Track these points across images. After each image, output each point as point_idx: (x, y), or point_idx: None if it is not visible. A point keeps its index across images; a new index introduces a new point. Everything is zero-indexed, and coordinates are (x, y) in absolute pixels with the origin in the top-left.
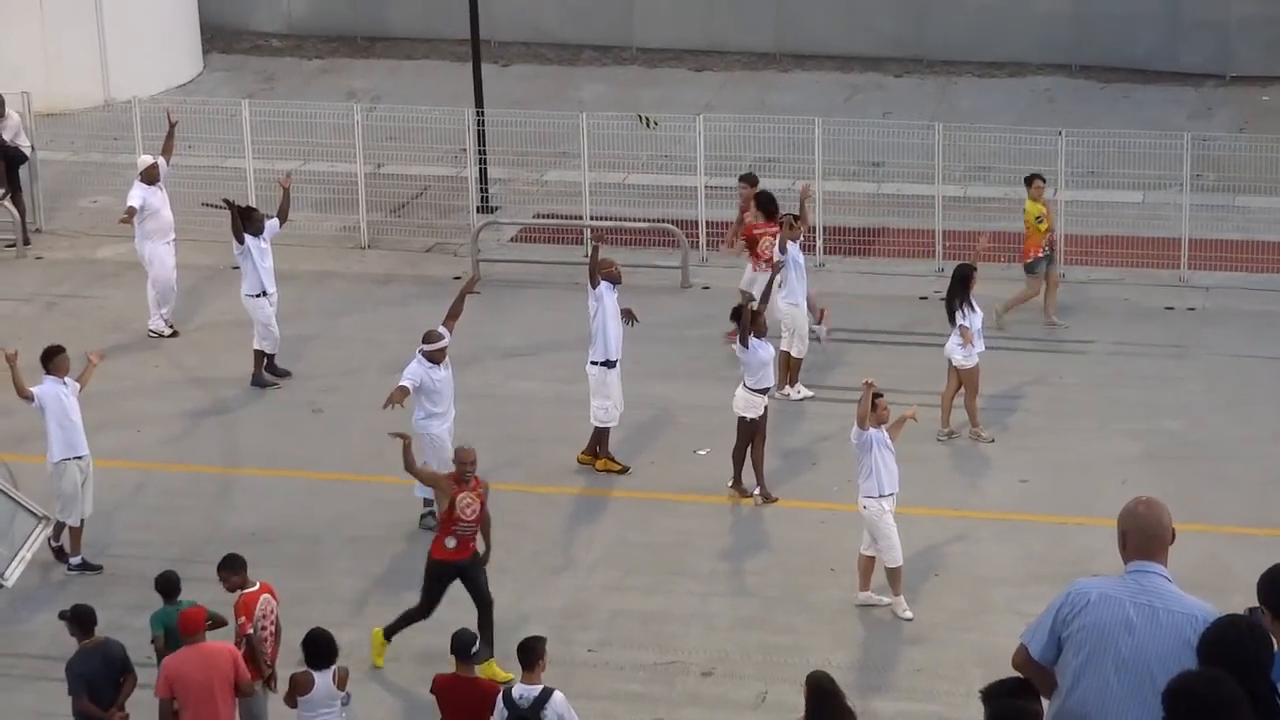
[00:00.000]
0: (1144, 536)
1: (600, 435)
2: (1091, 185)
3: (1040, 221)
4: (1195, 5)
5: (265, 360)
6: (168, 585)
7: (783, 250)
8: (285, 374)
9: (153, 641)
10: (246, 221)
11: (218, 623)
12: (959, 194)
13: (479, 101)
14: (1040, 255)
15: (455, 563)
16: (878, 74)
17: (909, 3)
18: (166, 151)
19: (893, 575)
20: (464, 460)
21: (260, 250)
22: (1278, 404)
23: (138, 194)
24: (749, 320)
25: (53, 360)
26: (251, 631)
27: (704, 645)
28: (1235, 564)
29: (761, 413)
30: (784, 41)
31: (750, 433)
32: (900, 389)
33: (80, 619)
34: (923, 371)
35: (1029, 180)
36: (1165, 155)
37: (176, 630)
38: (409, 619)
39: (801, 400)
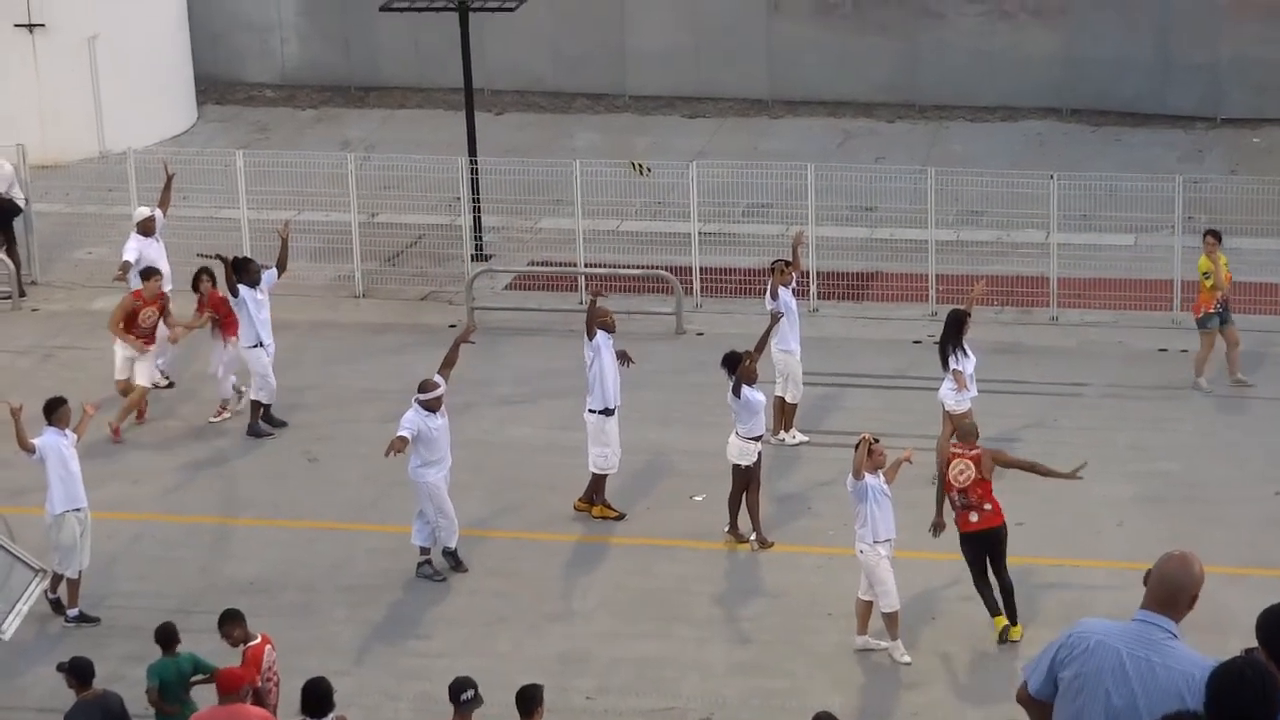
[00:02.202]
0: (1163, 589)
1: (597, 482)
2: (1084, 228)
3: (1207, 278)
4: (1185, 48)
5: (261, 410)
6: (166, 636)
7: (774, 296)
8: (281, 424)
9: (147, 692)
10: (242, 273)
11: (209, 677)
12: (952, 238)
13: (472, 150)
14: (1212, 311)
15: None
16: (870, 119)
17: (901, 48)
18: (163, 203)
19: (890, 620)
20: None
21: (256, 302)
22: (1272, 445)
23: (134, 246)
24: (743, 370)
25: (55, 412)
26: (259, 685)
27: (701, 691)
28: (1232, 605)
29: (756, 459)
30: (776, 88)
31: (745, 479)
32: (894, 433)
33: (78, 671)
34: (917, 416)
35: (1204, 235)
36: (1157, 198)
37: (172, 682)
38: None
39: (797, 445)
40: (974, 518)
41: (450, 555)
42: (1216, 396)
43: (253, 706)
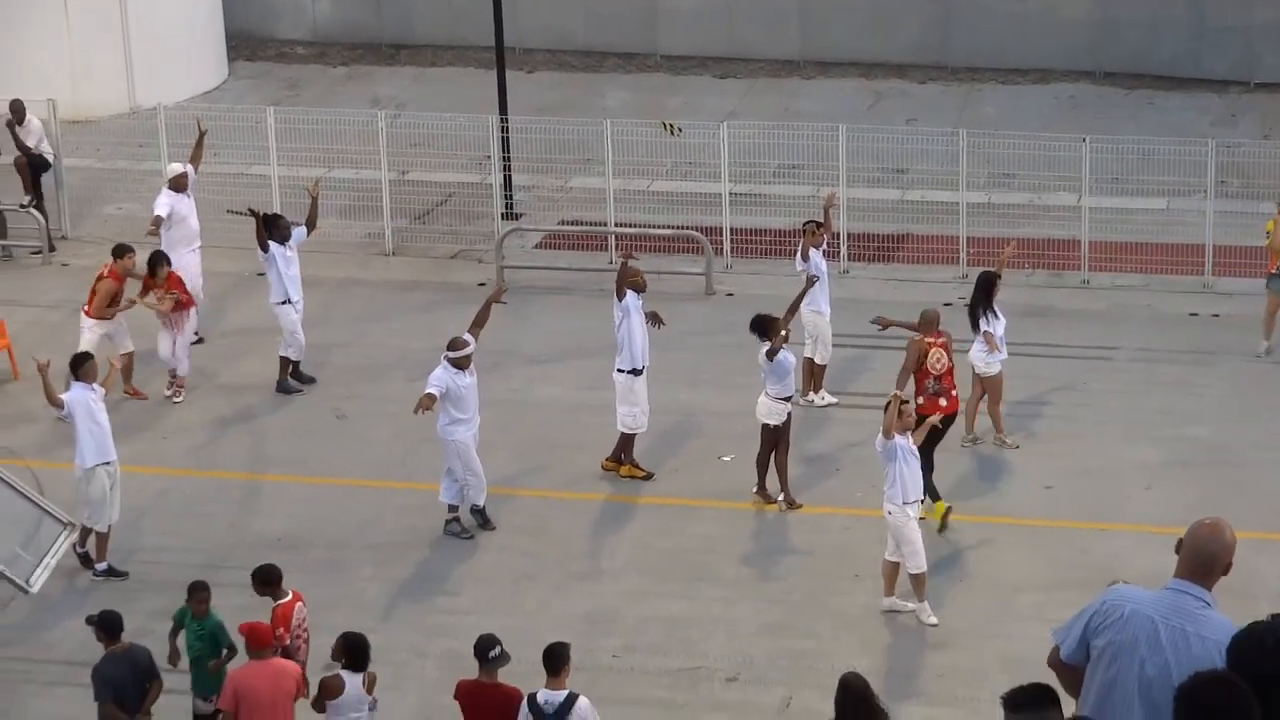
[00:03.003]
0: (1195, 557)
1: (626, 442)
2: (1115, 192)
3: (1268, 237)
4: (1220, 11)
5: (291, 367)
6: (111, 624)
7: (805, 257)
8: (310, 380)
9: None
10: (272, 229)
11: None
12: (983, 200)
13: (503, 108)
14: (1273, 272)
15: None
16: (902, 80)
17: (933, 9)
18: (195, 159)
19: (917, 581)
20: None
21: (285, 258)
22: None
23: (165, 202)
24: (775, 337)
25: (82, 367)
26: (289, 643)
27: (728, 651)
28: (1261, 569)
29: (785, 419)
30: (808, 48)
31: (774, 439)
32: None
33: (107, 624)
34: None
35: None
36: (1189, 162)
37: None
38: None
39: (826, 406)
40: (944, 402)
41: (478, 513)
42: (1249, 361)
43: (286, 661)
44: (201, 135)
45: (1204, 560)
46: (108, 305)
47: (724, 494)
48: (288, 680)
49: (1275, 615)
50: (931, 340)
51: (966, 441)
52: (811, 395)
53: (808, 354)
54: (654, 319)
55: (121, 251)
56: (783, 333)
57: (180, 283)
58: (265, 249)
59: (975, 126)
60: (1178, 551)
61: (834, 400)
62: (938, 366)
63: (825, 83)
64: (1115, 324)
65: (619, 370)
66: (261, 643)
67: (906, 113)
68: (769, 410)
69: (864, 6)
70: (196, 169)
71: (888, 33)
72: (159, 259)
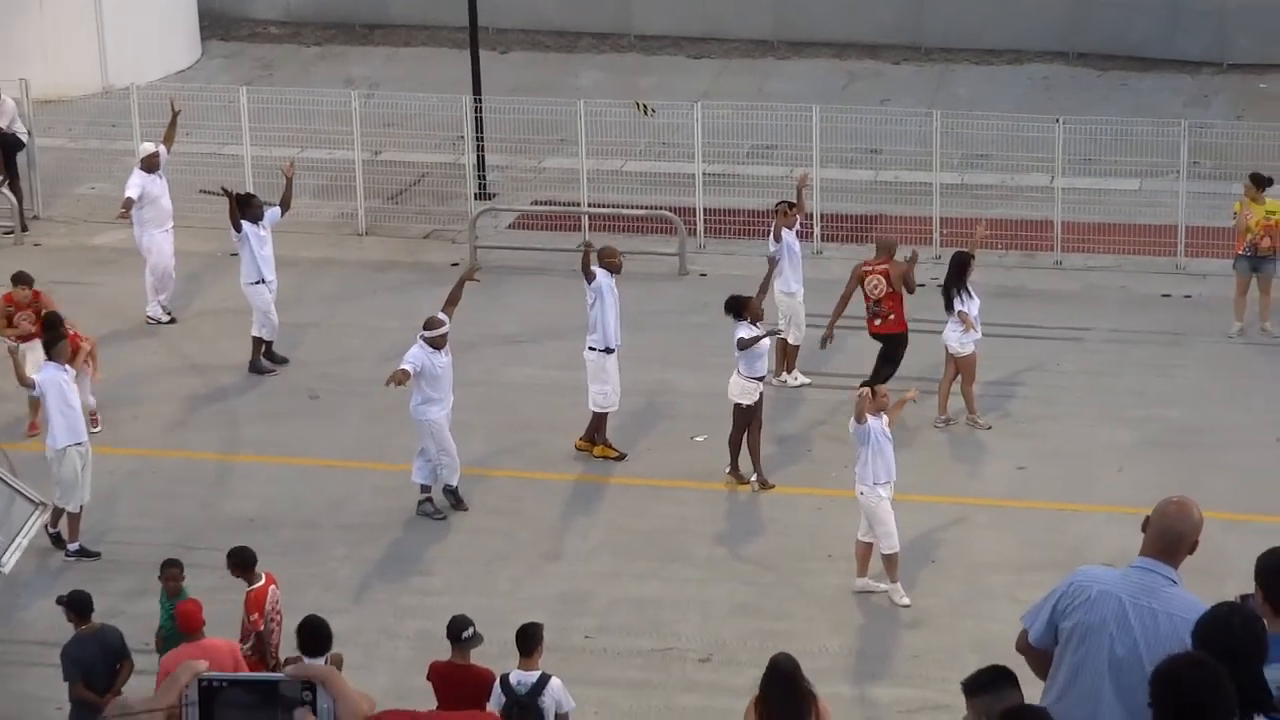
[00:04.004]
0: (1162, 536)
1: (599, 421)
2: (1089, 173)
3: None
4: None
5: (263, 347)
6: (79, 604)
7: (777, 238)
8: (283, 361)
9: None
10: (245, 208)
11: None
12: (956, 181)
13: (477, 88)
14: (1240, 254)
15: None
16: (876, 61)
17: None
18: (168, 139)
19: (889, 562)
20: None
21: (259, 238)
22: (1274, 392)
23: (136, 182)
24: (749, 311)
25: (54, 347)
26: (263, 628)
27: (701, 632)
28: (1230, 549)
29: (757, 399)
30: (782, 28)
31: (746, 419)
32: (896, 375)
33: (77, 605)
34: (919, 358)
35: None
36: (1162, 143)
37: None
38: None
39: (799, 387)
40: (878, 322)
41: (451, 493)
42: (1221, 342)
43: (218, 640)
44: (174, 115)
45: (1171, 539)
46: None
47: (697, 474)
48: (223, 658)
49: (1242, 597)
50: (870, 267)
51: (939, 423)
52: (785, 375)
53: (780, 334)
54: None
55: (18, 280)
56: (775, 328)
57: (76, 336)
58: (238, 229)
59: (949, 107)
60: (1144, 530)
61: (807, 381)
62: (875, 292)
63: (799, 63)
64: (1088, 305)
65: (590, 349)
66: (191, 625)
67: (880, 93)
68: (741, 390)
69: None
70: (169, 149)
71: (862, 13)
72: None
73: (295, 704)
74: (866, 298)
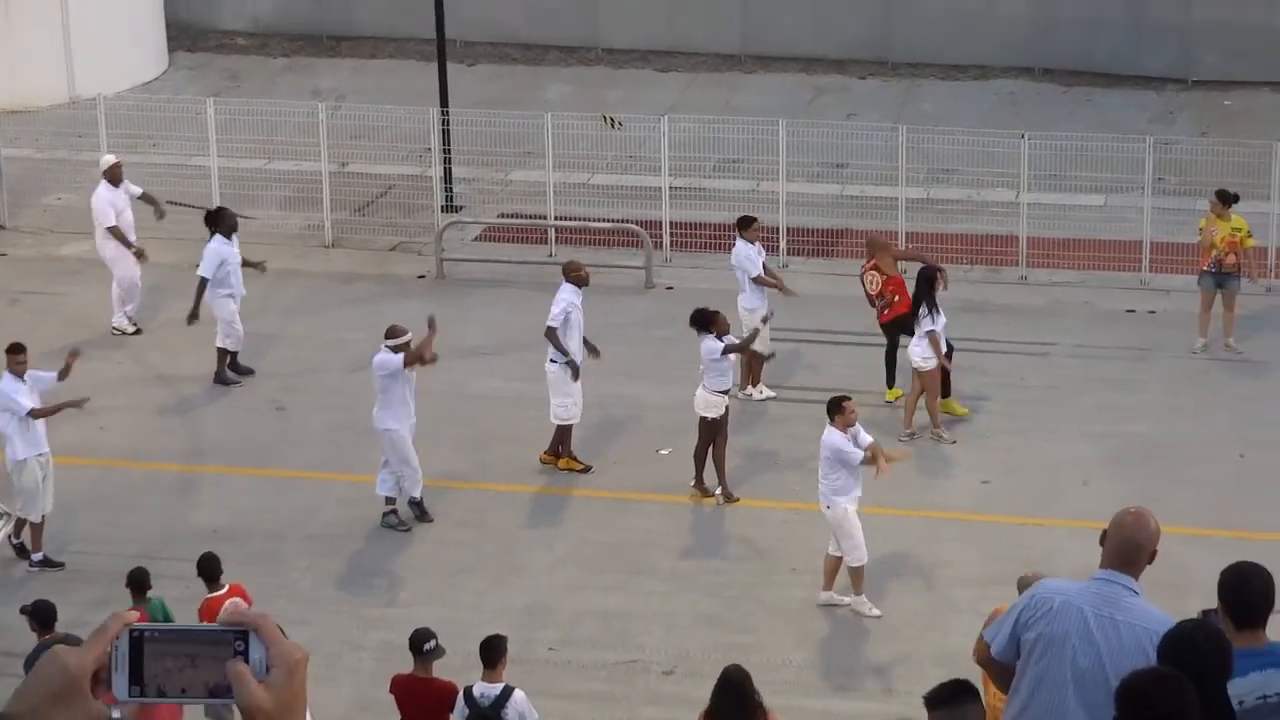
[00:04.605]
0: (1121, 546)
1: (563, 434)
2: (1054, 188)
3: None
4: (1158, 10)
5: (228, 358)
6: (138, 582)
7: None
8: (248, 372)
9: None
10: (218, 221)
11: None
12: (922, 196)
13: (444, 101)
14: (1204, 270)
15: None
16: (842, 76)
17: (874, 5)
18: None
19: (855, 574)
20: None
21: (232, 251)
22: (1237, 407)
23: (104, 197)
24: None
25: (13, 357)
26: None
27: (665, 644)
28: (1193, 565)
29: (723, 413)
30: (749, 43)
31: (712, 432)
32: (863, 389)
33: (40, 614)
34: (881, 372)
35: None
36: (1127, 159)
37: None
38: None
39: (764, 400)
40: (886, 312)
41: (415, 505)
42: (1185, 357)
43: None
44: (157, 208)
45: (1130, 549)
46: None
47: (662, 487)
48: None
49: (1205, 611)
50: (865, 266)
51: (904, 437)
52: (750, 389)
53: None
54: (592, 350)
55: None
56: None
57: None
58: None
59: (915, 122)
60: (1102, 542)
61: (772, 394)
62: (873, 287)
63: (766, 77)
64: (1053, 320)
65: (552, 361)
66: None
67: (846, 108)
68: (706, 403)
69: (805, 2)
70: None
71: (828, 28)
72: None
73: (228, 652)
74: (869, 297)
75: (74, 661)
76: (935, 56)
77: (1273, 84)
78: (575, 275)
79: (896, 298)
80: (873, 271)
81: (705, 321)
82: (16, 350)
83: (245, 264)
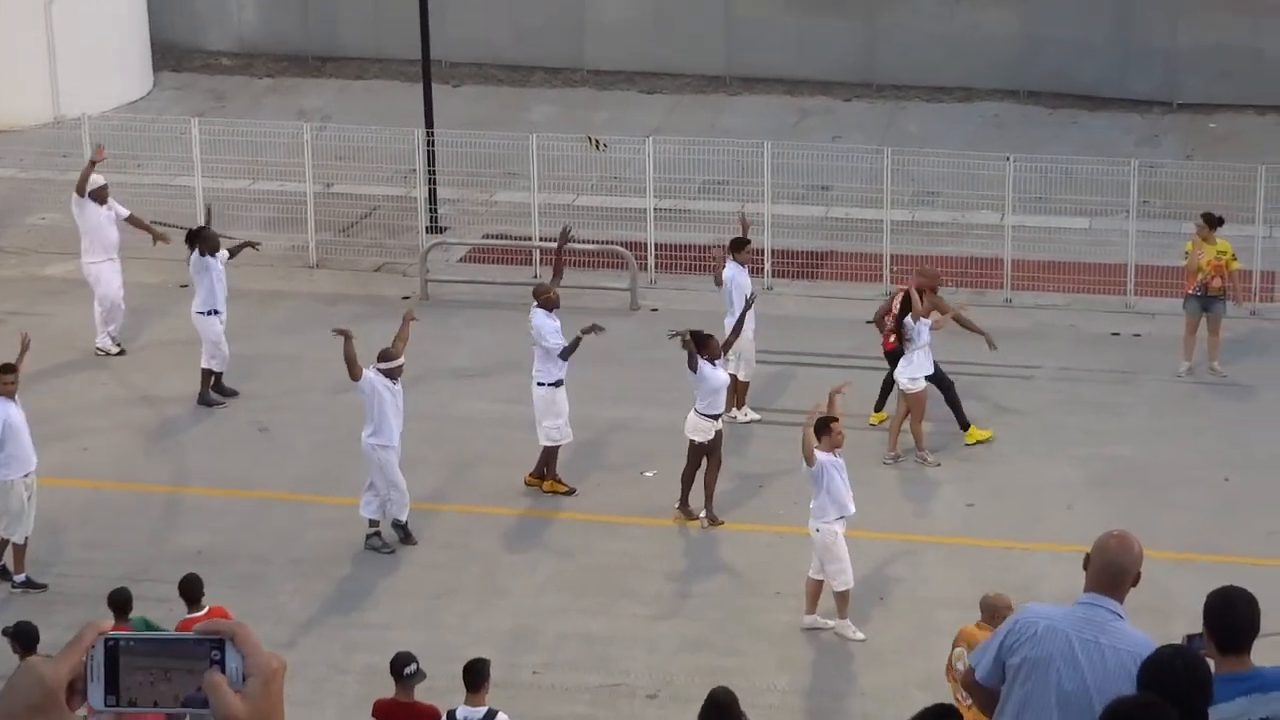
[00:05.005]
0: (1105, 570)
1: (549, 456)
2: (1039, 211)
3: (1186, 257)
4: (1143, 33)
5: (212, 379)
6: (120, 602)
7: (718, 282)
8: (233, 393)
9: None
10: (202, 241)
11: None
12: (907, 218)
13: (429, 122)
14: (1189, 293)
15: None
16: (827, 98)
17: (859, 28)
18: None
19: (841, 598)
20: None
21: (217, 271)
22: (1222, 431)
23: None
24: (694, 347)
25: (2, 378)
26: None
27: (649, 668)
28: (1177, 590)
29: (713, 437)
30: (734, 65)
31: (700, 455)
32: (847, 412)
33: (22, 636)
34: (869, 395)
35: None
36: (1112, 181)
37: None
38: None
39: (749, 423)
40: (894, 338)
41: (400, 528)
42: (1170, 381)
43: None
44: (154, 236)
45: (1114, 573)
46: None
47: (646, 510)
48: None
49: (1189, 636)
50: (906, 286)
51: (888, 459)
52: (735, 412)
53: (730, 370)
54: (594, 329)
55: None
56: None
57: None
58: (203, 254)
59: (900, 144)
60: (1085, 567)
61: (757, 417)
62: (896, 308)
63: (751, 99)
64: (1038, 343)
65: (539, 384)
66: None
67: (831, 130)
68: (695, 426)
69: (790, 24)
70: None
71: (813, 50)
72: None
73: (204, 664)
74: (883, 316)
75: (49, 672)
76: (920, 79)
77: (1258, 107)
78: (546, 298)
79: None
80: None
81: (700, 343)
82: (5, 370)
83: (239, 247)
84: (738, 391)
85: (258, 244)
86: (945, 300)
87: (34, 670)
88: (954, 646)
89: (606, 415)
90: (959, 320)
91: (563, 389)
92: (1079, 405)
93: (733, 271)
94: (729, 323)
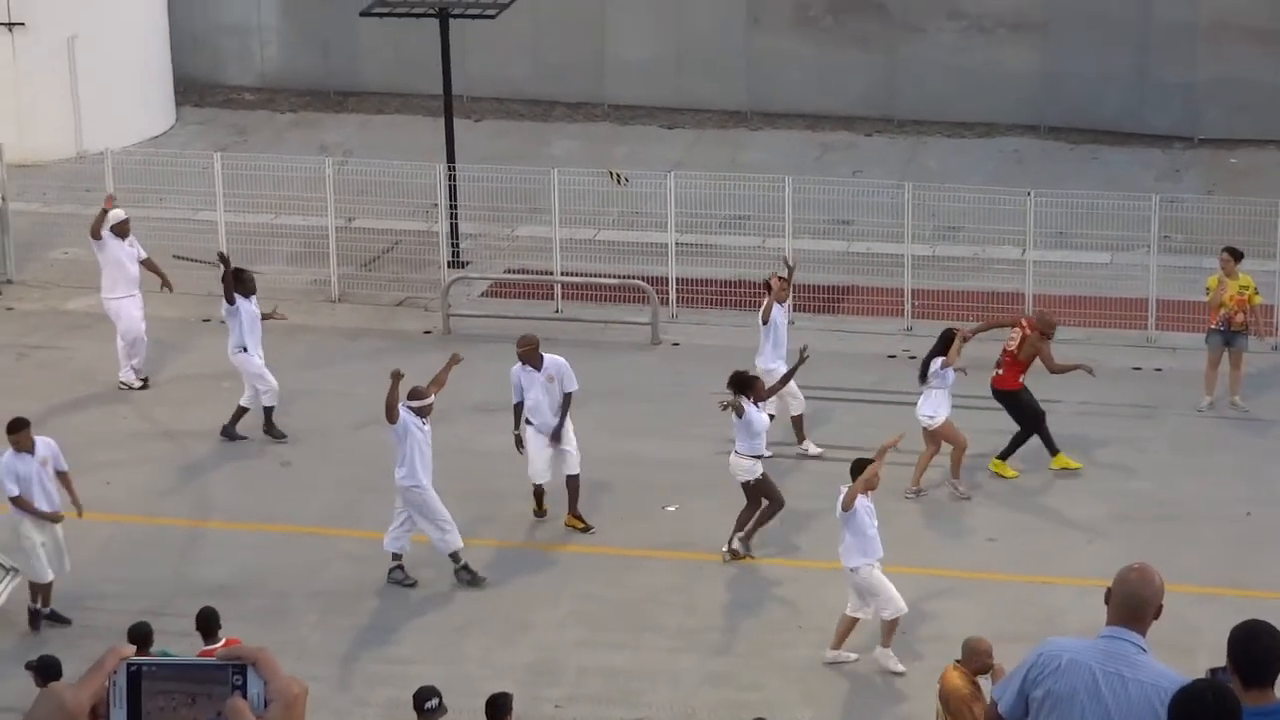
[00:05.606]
0: (1126, 603)
1: (577, 488)
2: (1060, 245)
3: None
4: (1164, 67)
5: (239, 415)
6: (141, 636)
7: (765, 319)
8: (281, 436)
9: None
10: (238, 283)
11: None
12: (928, 253)
13: (451, 156)
14: (1212, 328)
15: None
16: (848, 133)
17: (880, 62)
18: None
19: (889, 626)
20: None
21: (250, 314)
22: (1244, 465)
23: (114, 246)
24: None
25: (16, 434)
26: None
27: (671, 701)
28: (1201, 624)
29: (760, 475)
30: (755, 99)
31: (758, 494)
32: (869, 447)
33: (45, 669)
34: (891, 430)
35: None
36: (1133, 216)
37: None
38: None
39: (817, 456)
40: (999, 374)
41: (463, 569)
42: (1191, 416)
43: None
44: (163, 280)
45: (1135, 606)
46: None
47: (668, 544)
48: None
49: (1214, 669)
50: (1023, 327)
51: (909, 494)
52: (804, 444)
53: (791, 411)
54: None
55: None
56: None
57: None
58: (231, 301)
59: (921, 179)
60: (1107, 601)
61: (819, 451)
62: (1009, 344)
63: (772, 134)
64: (1058, 378)
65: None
66: None
67: (852, 165)
68: (740, 468)
69: (811, 59)
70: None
71: (834, 85)
72: None
73: (226, 689)
74: (1008, 355)
75: (70, 698)
76: (941, 114)
77: (1279, 142)
78: (522, 351)
79: (1000, 371)
80: (1024, 335)
81: (744, 385)
82: (17, 428)
83: (265, 317)
84: (796, 425)
85: (283, 316)
86: (1051, 352)
87: (56, 696)
88: (937, 699)
89: (628, 449)
90: (1058, 371)
91: (530, 430)
92: (1100, 440)
93: (778, 313)
94: (759, 361)
